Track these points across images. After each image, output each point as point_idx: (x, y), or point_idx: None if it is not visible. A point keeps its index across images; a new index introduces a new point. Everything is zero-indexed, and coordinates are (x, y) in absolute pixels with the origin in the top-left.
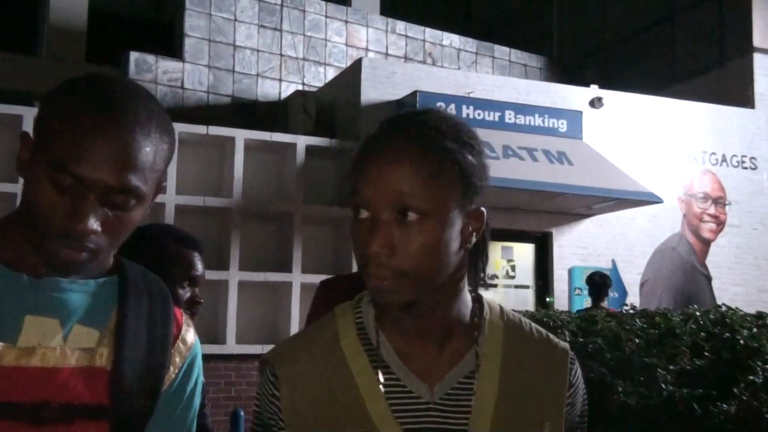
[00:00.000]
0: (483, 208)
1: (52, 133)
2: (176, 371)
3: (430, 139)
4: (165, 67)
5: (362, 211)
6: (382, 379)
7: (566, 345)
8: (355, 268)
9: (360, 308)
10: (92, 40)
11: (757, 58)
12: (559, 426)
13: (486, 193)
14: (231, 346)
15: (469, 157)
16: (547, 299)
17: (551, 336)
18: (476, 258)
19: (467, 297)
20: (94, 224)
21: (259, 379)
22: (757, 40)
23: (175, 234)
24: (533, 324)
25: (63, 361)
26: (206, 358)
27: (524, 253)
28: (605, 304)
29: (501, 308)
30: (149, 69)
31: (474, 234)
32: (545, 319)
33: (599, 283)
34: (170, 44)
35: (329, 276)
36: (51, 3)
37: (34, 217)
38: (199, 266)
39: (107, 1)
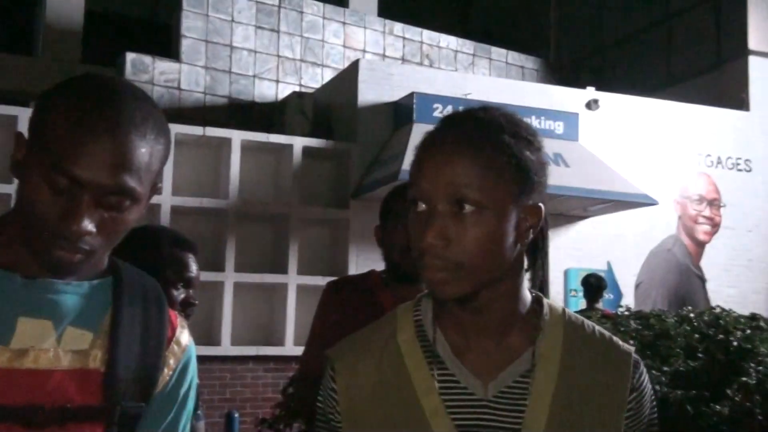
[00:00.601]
0: (541, 204)
1: (47, 133)
2: (170, 373)
3: (487, 133)
4: (161, 68)
5: (420, 204)
6: (436, 375)
7: (630, 348)
8: (353, 269)
9: (419, 307)
10: (88, 41)
11: (753, 61)
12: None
13: (544, 190)
14: (226, 347)
15: (527, 152)
16: None
17: (614, 339)
18: (535, 255)
19: (526, 295)
20: (89, 225)
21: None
22: (753, 43)
23: (170, 235)
24: (597, 326)
25: (56, 363)
26: (201, 359)
27: None
28: (600, 305)
29: (563, 309)
30: (146, 70)
31: (531, 230)
32: None
33: (595, 285)
34: (167, 45)
35: (334, 278)
36: (47, 3)
37: (29, 218)
38: (194, 268)
39: (103, 2)
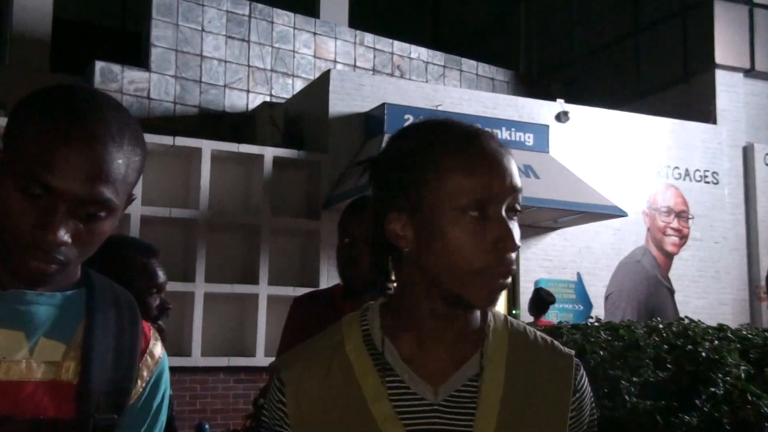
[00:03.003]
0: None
1: (22, 143)
2: (143, 385)
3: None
4: (131, 77)
5: (494, 206)
6: (386, 382)
7: (571, 351)
8: (324, 280)
9: (366, 317)
10: (57, 49)
11: (719, 74)
12: (563, 431)
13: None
14: (196, 358)
15: None
16: (513, 311)
17: (556, 343)
18: None
19: None
20: (64, 236)
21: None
22: (719, 57)
23: (135, 244)
24: (538, 332)
25: (28, 374)
26: (171, 370)
27: None
28: (544, 319)
29: (506, 316)
30: (115, 78)
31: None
32: None
33: (546, 299)
34: (136, 54)
35: (305, 288)
36: (15, 10)
37: (2, 228)
38: (161, 273)
39: (72, 9)
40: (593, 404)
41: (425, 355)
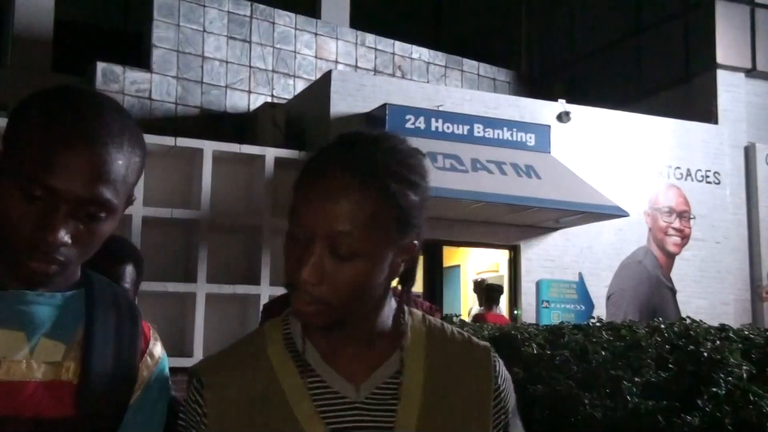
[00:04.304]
0: (416, 241)
1: (23, 144)
2: (143, 385)
3: (373, 180)
4: (132, 78)
5: (298, 233)
6: (308, 382)
7: (487, 344)
8: None
9: (288, 320)
10: (58, 50)
11: (721, 74)
12: (487, 421)
13: (421, 226)
14: (198, 359)
15: (411, 196)
16: (515, 312)
17: (472, 337)
18: (405, 277)
19: (392, 305)
20: (64, 236)
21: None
22: (721, 57)
23: (102, 248)
24: (455, 328)
25: (29, 374)
26: (173, 371)
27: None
28: (495, 311)
29: (423, 315)
30: (116, 79)
31: (403, 264)
32: (513, 332)
33: (496, 289)
34: (138, 55)
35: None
36: (16, 11)
37: (2, 229)
38: (128, 279)
39: (74, 11)
40: (513, 390)
41: (343, 354)
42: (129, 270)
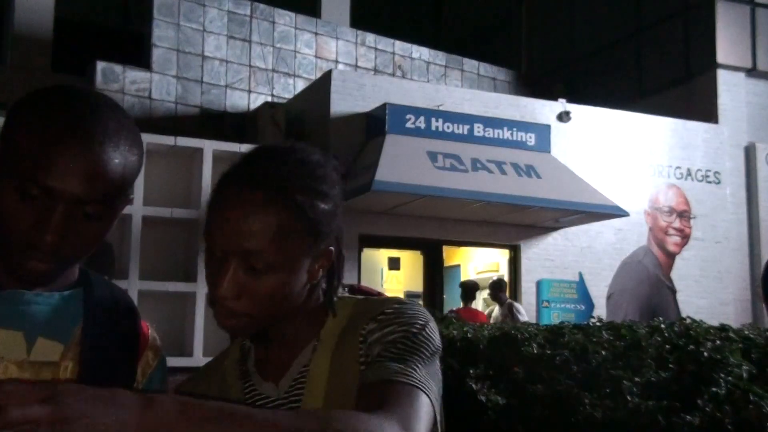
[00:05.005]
0: (331, 248)
1: (19, 144)
2: (141, 385)
3: (278, 195)
4: (132, 77)
5: (214, 250)
6: (246, 388)
7: (394, 297)
8: None
9: None
10: (58, 49)
11: (721, 74)
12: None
13: (336, 230)
14: (198, 358)
15: (321, 205)
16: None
17: (392, 297)
18: (331, 278)
19: (317, 303)
20: (61, 236)
21: None
22: (721, 57)
23: None
24: (391, 298)
25: (27, 374)
26: (173, 370)
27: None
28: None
29: (358, 299)
30: (116, 79)
31: (321, 270)
32: (513, 332)
33: (473, 288)
34: (138, 54)
35: None
36: (16, 11)
37: (0, 228)
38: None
39: (74, 10)
40: (406, 323)
41: (271, 356)
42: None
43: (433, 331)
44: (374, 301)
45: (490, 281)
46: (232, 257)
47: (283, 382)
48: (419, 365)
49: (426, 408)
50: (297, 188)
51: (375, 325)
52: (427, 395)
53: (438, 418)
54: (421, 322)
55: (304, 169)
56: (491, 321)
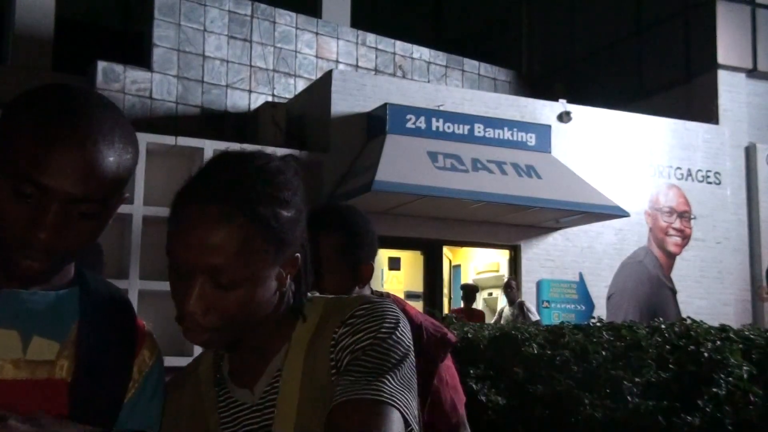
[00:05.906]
0: (297, 255)
1: (13, 142)
2: (137, 383)
3: (239, 208)
4: (133, 77)
5: (179, 266)
6: (219, 394)
7: (365, 296)
8: None
9: None
10: (59, 49)
11: (722, 74)
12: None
13: (300, 237)
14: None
15: (284, 213)
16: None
17: (367, 296)
18: (299, 284)
19: (288, 307)
20: (56, 234)
21: None
22: (722, 58)
23: None
24: (368, 296)
25: (22, 373)
26: (171, 370)
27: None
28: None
29: (329, 299)
30: (117, 79)
31: (288, 276)
32: (513, 332)
33: (473, 289)
34: (139, 54)
35: None
36: (17, 10)
37: None
38: None
39: (75, 10)
40: (373, 327)
41: (244, 362)
42: None
43: (403, 332)
44: (344, 301)
45: (503, 282)
46: (198, 274)
47: (258, 387)
48: (389, 376)
49: (397, 424)
50: (258, 199)
51: (345, 329)
52: (398, 408)
53: (413, 424)
54: (389, 325)
55: (264, 178)
56: (502, 320)
